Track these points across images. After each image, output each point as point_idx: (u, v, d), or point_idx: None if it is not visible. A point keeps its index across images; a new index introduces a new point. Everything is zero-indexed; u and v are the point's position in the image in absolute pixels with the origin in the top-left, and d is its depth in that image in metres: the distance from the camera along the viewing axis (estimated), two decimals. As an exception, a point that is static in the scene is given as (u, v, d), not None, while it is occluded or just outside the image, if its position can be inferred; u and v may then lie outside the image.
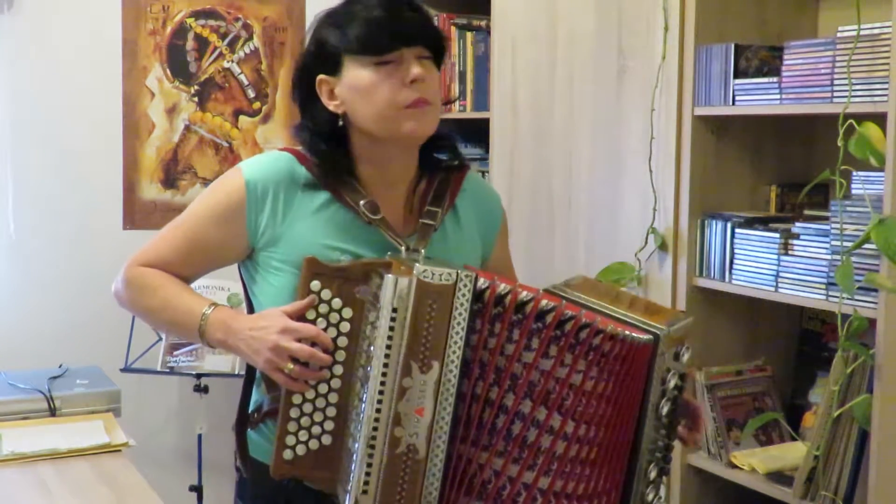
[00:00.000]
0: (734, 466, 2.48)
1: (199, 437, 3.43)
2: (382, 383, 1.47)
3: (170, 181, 3.68)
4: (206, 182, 3.69)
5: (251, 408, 1.72)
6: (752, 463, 2.45)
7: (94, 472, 2.34)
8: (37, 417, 2.68)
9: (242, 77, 3.73)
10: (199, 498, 3.43)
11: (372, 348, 1.49)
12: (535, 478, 1.50)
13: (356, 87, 1.62)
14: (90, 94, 3.56)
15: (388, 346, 1.47)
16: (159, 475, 2.87)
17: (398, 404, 1.47)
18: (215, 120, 3.71)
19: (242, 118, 3.74)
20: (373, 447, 1.47)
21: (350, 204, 1.65)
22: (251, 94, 3.74)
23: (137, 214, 3.64)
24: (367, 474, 1.48)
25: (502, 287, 1.49)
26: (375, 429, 1.47)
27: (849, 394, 2.20)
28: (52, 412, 2.70)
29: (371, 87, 1.61)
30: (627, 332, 1.50)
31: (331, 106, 1.65)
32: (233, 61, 3.72)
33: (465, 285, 1.47)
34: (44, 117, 3.50)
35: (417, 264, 1.48)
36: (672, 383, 1.56)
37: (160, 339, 3.38)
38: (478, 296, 1.49)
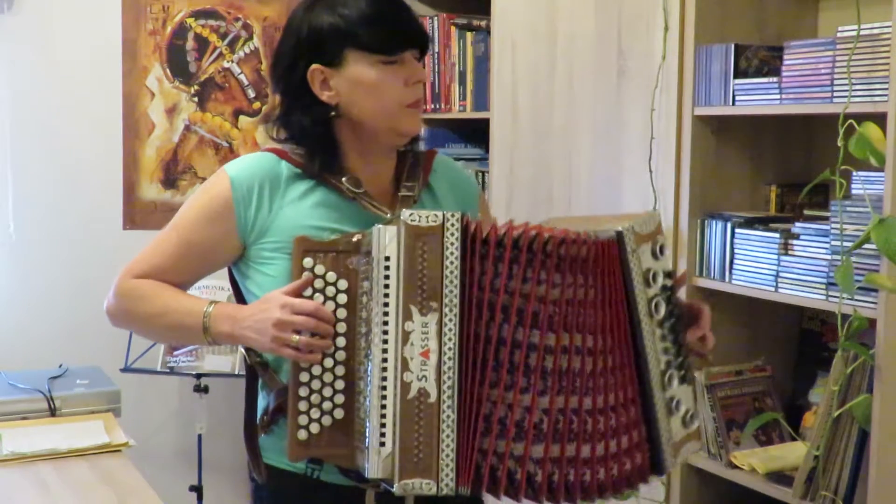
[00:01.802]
0: (734, 466, 2.48)
1: (199, 437, 3.44)
2: (385, 332, 1.48)
3: (170, 181, 3.68)
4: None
5: (259, 414, 1.72)
6: (752, 463, 2.45)
7: (94, 472, 2.34)
8: (37, 417, 2.68)
9: (242, 77, 3.73)
10: (199, 498, 3.43)
11: (370, 305, 1.50)
12: (550, 400, 1.51)
13: (360, 83, 1.65)
14: (90, 94, 3.56)
15: (386, 295, 1.48)
16: (159, 475, 2.87)
17: (403, 349, 1.47)
18: (215, 120, 3.71)
19: (242, 118, 3.74)
20: (384, 398, 1.47)
21: (333, 183, 1.68)
22: (251, 94, 3.74)
23: (137, 214, 3.64)
24: (383, 425, 1.47)
25: (482, 227, 1.51)
26: (384, 378, 1.48)
27: (849, 394, 2.20)
28: (52, 412, 2.70)
29: (377, 84, 1.65)
30: (589, 233, 1.52)
31: (323, 96, 1.67)
32: (233, 61, 3.72)
33: (453, 224, 1.49)
34: (44, 117, 3.50)
35: (404, 210, 1.51)
36: (659, 283, 1.57)
37: (160, 339, 3.38)
38: (463, 234, 1.51)
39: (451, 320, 1.48)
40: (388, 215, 1.66)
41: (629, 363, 1.57)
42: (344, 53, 1.65)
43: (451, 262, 1.49)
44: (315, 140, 1.68)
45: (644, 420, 1.59)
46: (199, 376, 3.37)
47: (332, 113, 1.67)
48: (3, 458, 2.37)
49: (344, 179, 1.67)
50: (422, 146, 1.85)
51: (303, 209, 1.67)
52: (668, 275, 1.59)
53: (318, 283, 1.56)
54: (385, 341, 1.48)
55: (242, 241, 1.69)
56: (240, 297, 1.75)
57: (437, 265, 1.48)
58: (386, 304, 1.48)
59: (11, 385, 2.80)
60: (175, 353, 3.41)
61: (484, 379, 1.50)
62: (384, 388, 1.47)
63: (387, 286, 1.48)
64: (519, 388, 1.50)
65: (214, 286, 3.26)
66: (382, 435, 1.47)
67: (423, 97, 1.71)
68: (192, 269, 1.73)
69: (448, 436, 1.47)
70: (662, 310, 1.57)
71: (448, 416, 1.48)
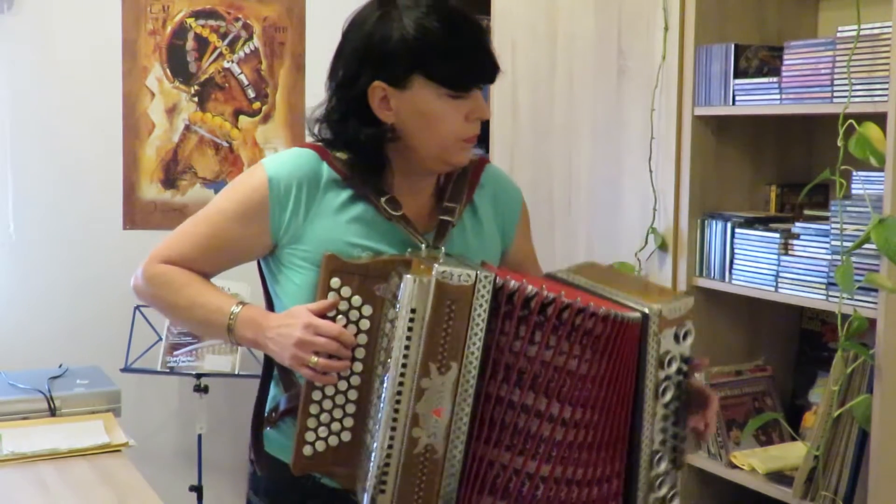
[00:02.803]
0: (734, 466, 2.48)
1: (199, 437, 3.43)
2: (401, 384, 1.47)
3: (170, 181, 3.67)
4: (205, 182, 3.69)
5: (268, 406, 1.73)
6: (752, 463, 2.45)
7: (94, 472, 2.34)
8: (37, 417, 2.68)
9: (242, 77, 3.73)
10: (199, 498, 3.43)
11: (390, 348, 1.48)
12: (536, 466, 1.51)
13: (422, 112, 1.60)
14: (90, 94, 3.56)
15: (407, 347, 1.46)
16: (159, 475, 2.87)
17: (416, 405, 1.46)
18: (215, 120, 3.71)
19: (242, 118, 3.74)
20: (391, 447, 1.47)
21: (372, 201, 1.64)
22: (251, 94, 3.74)
23: (137, 214, 3.64)
24: (385, 473, 1.47)
25: (512, 284, 1.49)
26: (394, 429, 1.47)
27: (849, 394, 2.20)
28: (52, 412, 2.70)
29: (440, 116, 1.60)
30: (614, 311, 1.50)
31: (382, 114, 1.61)
32: (233, 61, 3.71)
33: (485, 286, 1.47)
34: (44, 117, 3.50)
35: (437, 265, 1.47)
36: (674, 367, 1.56)
37: (160, 339, 3.38)
38: (493, 295, 1.49)
39: (468, 381, 1.47)
40: (423, 245, 1.62)
41: (623, 438, 1.56)
42: (411, 77, 1.58)
43: (477, 325, 1.47)
44: (365, 155, 1.64)
45: (624, 494, 1.58)
46: (199, 376, 3.37)
47: (389, 134, 1.62)
48: (3, 458, 2.37)
49: (383, 200, 1.63)
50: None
51: (339, 223, 1.64)
52: (686, 360, 1.58)
53: (343, 306, 1.54)
54: (399, 393, 1.47)
55: (274, 241, 1.67)
56: (268, 292, 1.75)
57: (462, 326, 1.46)
58: (405, 356, 1.46)
59: (11, 385, 2.79)
60: (175, 353, 3.41)
61: (490, 439, 1.50)
62: (392, 437, 1.47)
63: (409, 338, 1.46)
64: (519, 452, 1.50)
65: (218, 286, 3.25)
66: (383, 483, 1.47)
67: (478, 132, 1.65)
68: (220, 261, 1.72)
69: (449, 493, 1.48)
70: (669, 394, 1.56)
71: (451, 475, 1.48)
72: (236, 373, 3.36)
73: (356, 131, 1.62)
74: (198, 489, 3.42)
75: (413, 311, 1.46)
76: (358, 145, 1.63)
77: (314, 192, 1.64)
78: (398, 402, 1.47)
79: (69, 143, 3.54)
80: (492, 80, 1.64)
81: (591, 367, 1.50)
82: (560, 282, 1.62)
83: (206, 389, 3.39)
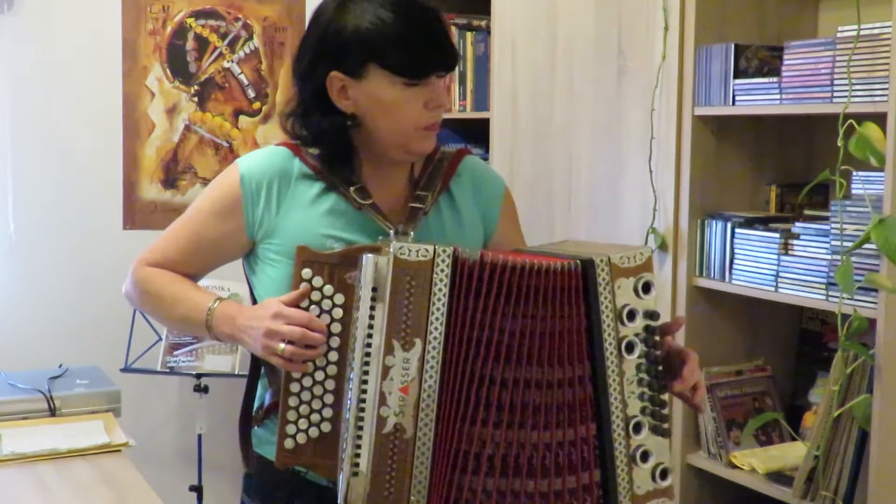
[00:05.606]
0: (734, 466, 2.48)
1: (199, 437, 3.43)
2: (366, 363, 1.47)
3: (170, 181, 3.68)
4: (206, 182, 3.69)
5: (255, 404, 1.73)
6: (752, 463, 2.45)
7: (94, 472, 2.34)
8: (37, 417, 2.67)
9: (242, 77, 3.73)
10: (199, 498, 3.43)
11: (356, 329, 1.49)
12: (513, 434, 1.49)
13: (379, 101, 1.61)
14: (90, 94, 3.56)
15: (370, 326, 1.47)
16: (159, 475, 2.87)
17: (382, 383, 1.47)
18: (215, 120, 3.71)
19: (242, 118, 3.74)
20: (360, 428, 1.47)
21: (342, 191, 1.67)
22: (251, 94, 3.74)
23: (137, 214, 3.64)
24: (357, 455, 1.47)
25: (469, 256, 1.49)
26: (362, 409, 1.47)
27: (849, 394, 2.20)
28: (52, 412, 2.70)
29: (397, 105, 1.61)
30: (549, 262, 1.48)
31: (341, 104, 1.64)
32: (233, 61, 3.72)
33: (444, 260, 1.47)
34: (44, 117, 3.50)
35: (394, 243, 1.49)
36: (638, 322, 1.51)
37: (160, 339, 3.38)
38: (454, 269, 1.48)
39: (433, 357, 1.47)
40: (392, 230, 1.64)
41: (585, 400, 1.51)
42: (366, 67, 1.60)
43: (439, 300, 1.47)
44: (331, 145, 1.67)
45: (600, 464, 1.53)
46: (199, 376, 3.37)
47: (349, 122, 1.65)
48: (3, 458, 2.37)
49: (352, 189, 1.66)
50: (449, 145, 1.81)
51: (311, 214, 1.66)
52: (651, 315, 1.53)
53: (316, 296, 1.55)
54: (366, 372, 1.47)
55: (251, 237, 1.70)
56: (251, 289, 1.77)
57: (423, 301, 1.47)
58: (369, 336, 1.47)
59: (11, 385, 2.79)
60: (175, 353, 3.41)
61: (461, 415, 1.49)
62: (361, 418, 1.47)
63: (372, 317, 1.47)
64: (492, 423, 1.49)
65: (214, 286, 3.26)
66: (356, 465, 1.47)
67: (440, 119, 1.66)
68: (203, 261, 1.75)
69: (421, 472, 1.47)
70: (637, 352, 1.51)
71: (423, 454, 1.47)
72: (236, 373, 3.36)
73: (319, 121, 1.65)
74: (198, 489, 3.42)
75: (374, 289, 1.47)
76: (323, 135, 1.66)
77: (286, 186, 1.67)
78: (365, 381, 1.47)
79: (69, 143, 3.54)
80: (449, 68, 1.65)
81: (538, 324, 1.48)
82: (524, 252, 1.60)
83: (206, 389, 3.39)
